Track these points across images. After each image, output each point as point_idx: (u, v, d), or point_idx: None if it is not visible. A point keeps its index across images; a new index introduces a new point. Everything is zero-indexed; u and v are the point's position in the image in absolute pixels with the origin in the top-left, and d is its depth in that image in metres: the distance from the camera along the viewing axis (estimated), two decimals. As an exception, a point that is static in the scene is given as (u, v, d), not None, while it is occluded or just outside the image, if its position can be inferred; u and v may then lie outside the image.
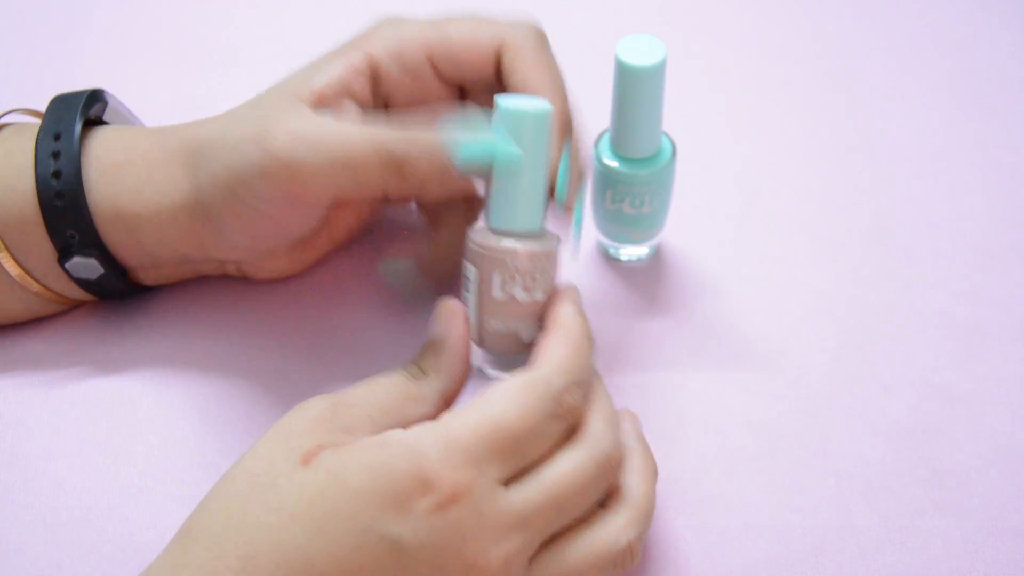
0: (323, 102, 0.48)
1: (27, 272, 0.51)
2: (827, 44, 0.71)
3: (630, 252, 0.58)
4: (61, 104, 0.52)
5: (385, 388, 0.43)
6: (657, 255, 0.59)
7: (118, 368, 0.53)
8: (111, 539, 0.47)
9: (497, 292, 0.46)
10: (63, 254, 0.50)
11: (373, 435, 0.41)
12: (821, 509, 0.50)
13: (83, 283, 0.51)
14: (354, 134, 0.46)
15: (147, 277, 0.54)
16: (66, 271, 0.51)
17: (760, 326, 0.56)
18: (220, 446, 0.50)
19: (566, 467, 0.42)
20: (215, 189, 0.48)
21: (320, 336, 0.55)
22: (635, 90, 0.51)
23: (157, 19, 0.71)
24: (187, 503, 0.48)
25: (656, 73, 0.50)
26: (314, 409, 0.42)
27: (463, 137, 0.46)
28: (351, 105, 0.49)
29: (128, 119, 0.56)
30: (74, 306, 0.55)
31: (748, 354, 0.55)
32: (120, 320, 0.54)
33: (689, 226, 0.60)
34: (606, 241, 0.58)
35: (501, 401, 0.41)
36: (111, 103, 0.54)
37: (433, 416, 0.43)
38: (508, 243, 0.46)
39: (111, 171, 0.50)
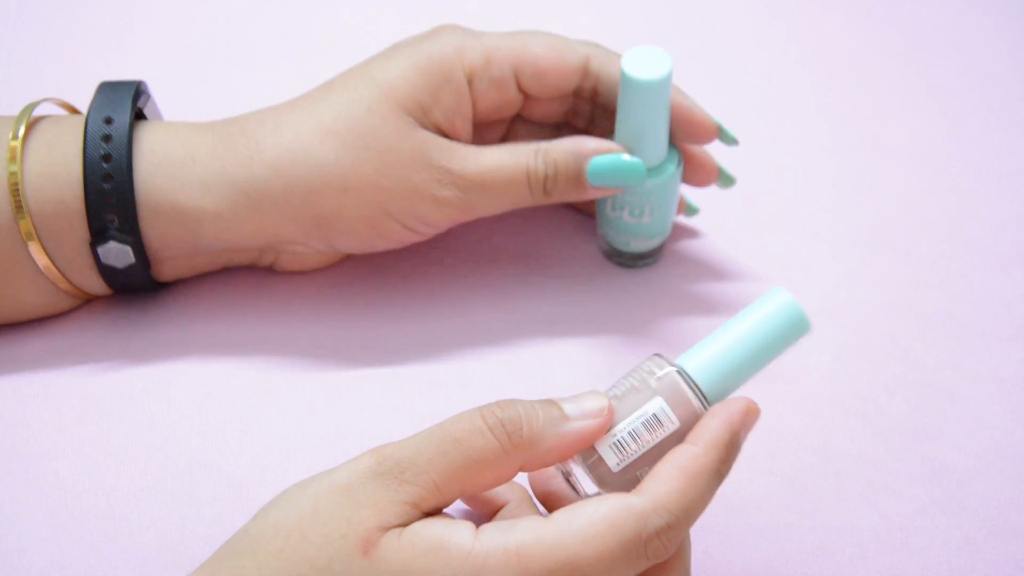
0: (442, 131, 0.52)
1: (52, 263, 0.50)
2: (828, 44, 0.71)
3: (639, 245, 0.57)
4: (109, 90, 0.52)
5: (460, 450, 0.39)
6: (656, 256, 0.59)
7: (118, 368, 0.53)
8: (111, 539, 0.47)
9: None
10: (98, 238, 0.50)
11: (437, 508, 0.39)
12: (821, 509, 0.50)
13: (107, 271, 0.51)
14: (507, 163, 0.51)
15: (172, 269, 0.53)
16: (96, 256, 0.50)
17: (760, 326, 0.56)
18: (220, 446, 0.50)
19: None
20: (349, 208, 0.50)
21: (321, 337, 0.55)
22: (640, 103, 0.51)
23: (160, 19, 0.71)
24: (187, 503, 0.48)
25: (662, 86, 0.50)
26: (382, 477, 0.38)
27: (595, 156, 0.51)
28: (466, 128, 0.52)
29: (160, 117, 0.56)
30: (84, 302, 0.54)
31: (748, 354, 0.55)
32: (120, 321, 0.54)
33: (689, 226, 0.60)
34: (610, 242, 0.58)
35: (583, 534, 0.38)
36: (151, 99, 0.55)
37: (503, 481, 0.40)
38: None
39: (168, 167, 0.50)
